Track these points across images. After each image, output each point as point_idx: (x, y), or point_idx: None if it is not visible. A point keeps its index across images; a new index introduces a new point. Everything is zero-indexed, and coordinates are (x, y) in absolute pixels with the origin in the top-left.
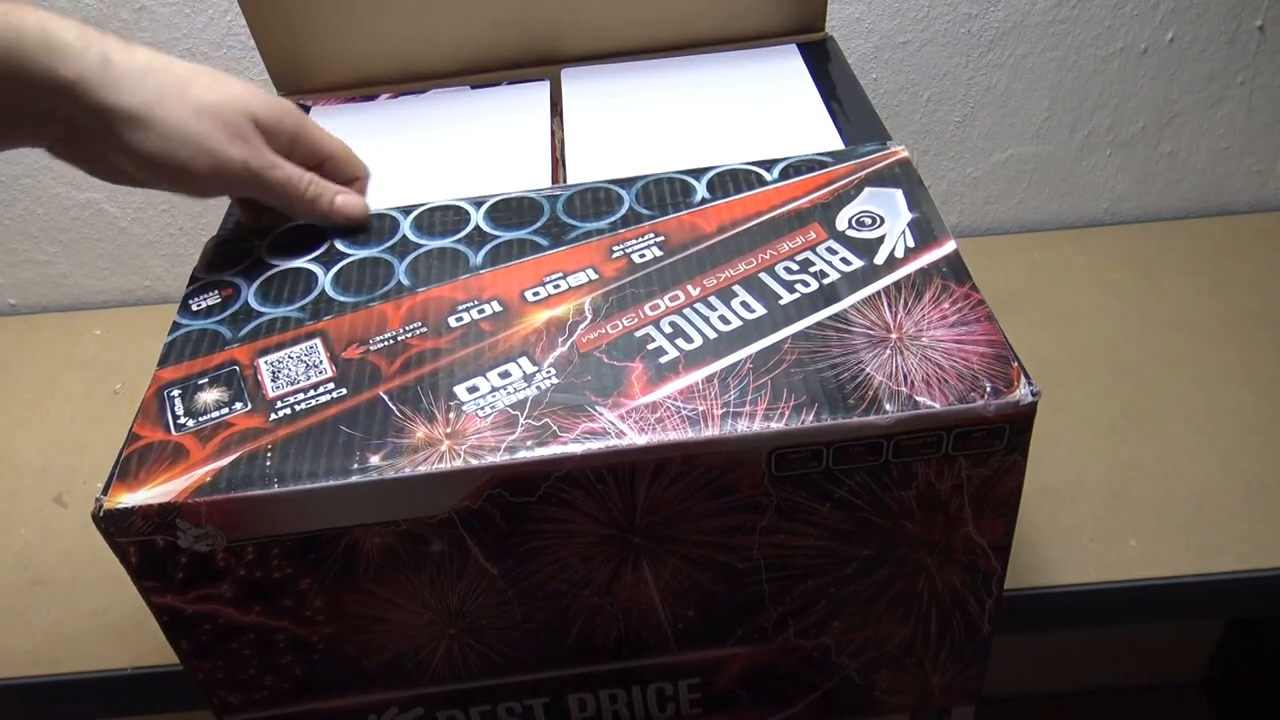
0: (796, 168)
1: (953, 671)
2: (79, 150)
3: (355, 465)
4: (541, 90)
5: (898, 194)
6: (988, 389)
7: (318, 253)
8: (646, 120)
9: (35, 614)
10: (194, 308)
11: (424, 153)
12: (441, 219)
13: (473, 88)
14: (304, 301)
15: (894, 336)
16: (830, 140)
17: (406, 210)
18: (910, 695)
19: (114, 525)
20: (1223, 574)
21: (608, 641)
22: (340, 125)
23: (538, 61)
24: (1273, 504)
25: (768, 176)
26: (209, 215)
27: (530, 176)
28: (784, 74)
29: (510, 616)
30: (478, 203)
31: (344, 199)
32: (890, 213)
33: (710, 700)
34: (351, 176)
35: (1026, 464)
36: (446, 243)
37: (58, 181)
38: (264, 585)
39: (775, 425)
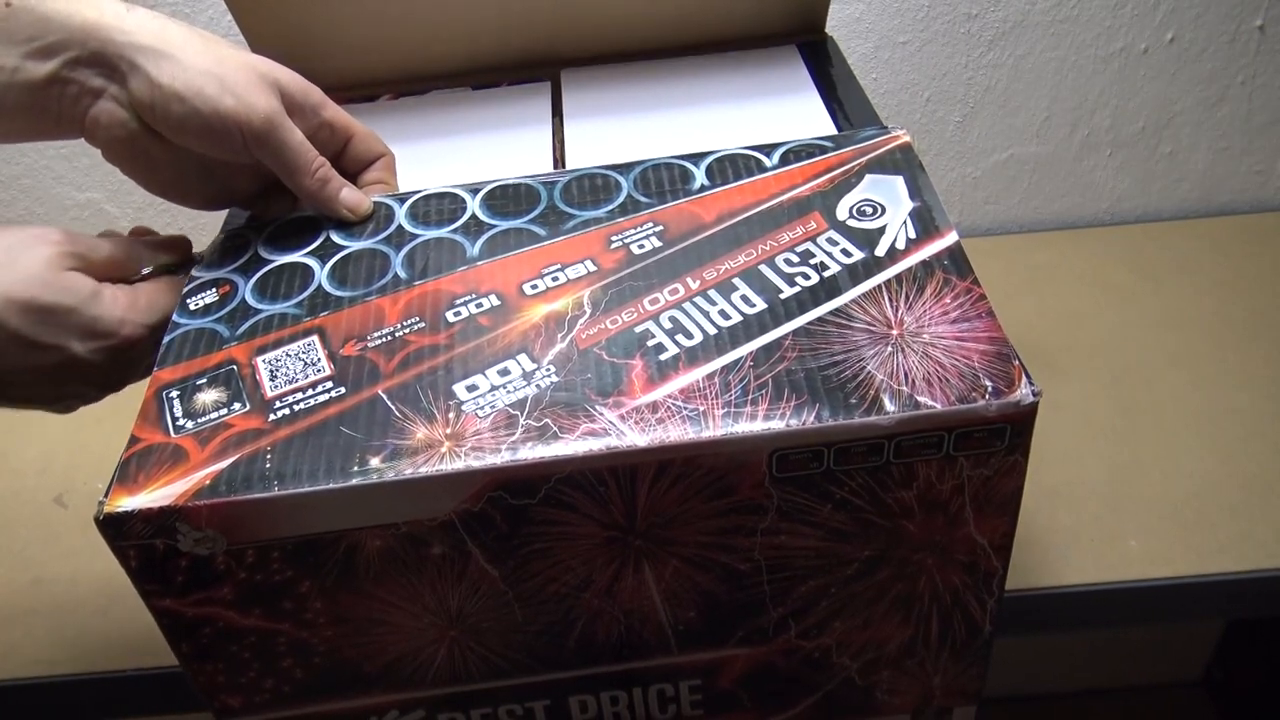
0: (796, 153)
1: (954, 672)
2: (101, 102)
3: (355, 467)
4: (542, 91)
5: (899, 181)
6: (989, 389)
7: (314, 246)
8: (647, 121)
9: (35, 614)
10: (191, 306)
11: (424, 154)
12: (438, 207)
13: (473, 89)
14: (301, 297)
15: (895, 333)
16: None
17: (402, 198)
18: (911, 696)
19: (115, 529)
20: (1223, 574)
21: (609, 643)
22: None
23: (538, 63)
24: (1273, 504)
25: (767, 162)
26: (209, 215)
27: None
28: (784, 75)
29: (511, 619)
30: (474, 190)
31: (350, 193)
32: (891, 201)
33: (711, 701)
34: (376, 154)
35: (1027, 464)
36: (443, 233)
37: (58, 182)
38: (264, 588)
39: (776, 426)
